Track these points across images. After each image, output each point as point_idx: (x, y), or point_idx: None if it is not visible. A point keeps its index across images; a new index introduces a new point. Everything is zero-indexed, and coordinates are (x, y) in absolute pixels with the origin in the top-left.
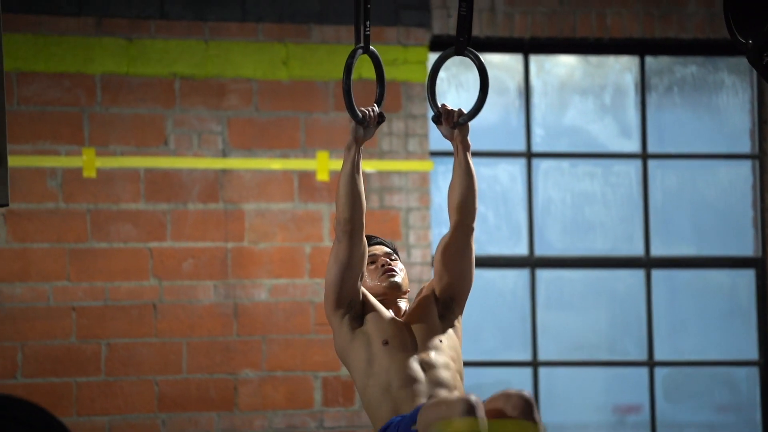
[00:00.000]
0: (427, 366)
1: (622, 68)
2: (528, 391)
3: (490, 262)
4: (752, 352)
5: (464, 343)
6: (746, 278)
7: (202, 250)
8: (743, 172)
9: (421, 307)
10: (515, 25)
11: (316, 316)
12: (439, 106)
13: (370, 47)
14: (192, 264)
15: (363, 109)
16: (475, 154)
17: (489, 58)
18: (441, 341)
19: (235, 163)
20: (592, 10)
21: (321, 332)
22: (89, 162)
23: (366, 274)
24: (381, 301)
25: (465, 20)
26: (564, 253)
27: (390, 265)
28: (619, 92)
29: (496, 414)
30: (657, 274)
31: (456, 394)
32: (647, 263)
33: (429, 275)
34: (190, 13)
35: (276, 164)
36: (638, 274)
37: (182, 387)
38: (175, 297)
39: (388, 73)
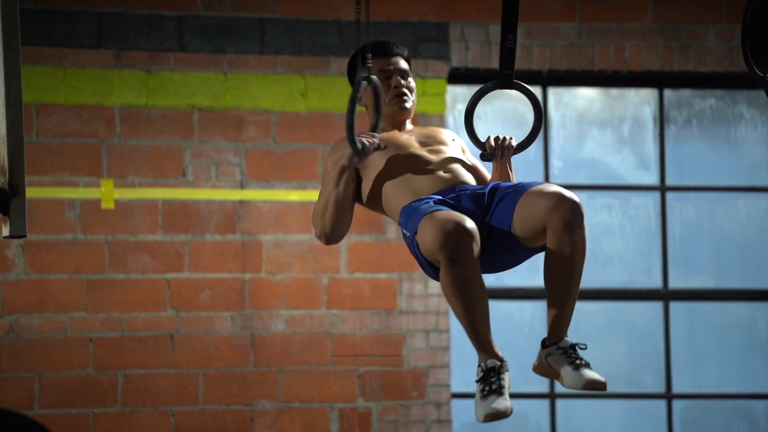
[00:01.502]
0: (437, 158)
1: (640, 101)
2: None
3: (507, 294)
4: None
5: None
6: (765, 311)
7: (219, 281)
8: (762, 205)
9: (434, 132)
10: (534, 57)
11: (333, 347)
12: (484, 141)
13: (372, 77)
14: (209, 295)
15: (363, 139)
16: None
17: (506, 91)
18: (447, 148)
19: (253, 194)
20: (611, 43)
21: (338, 364)
22: (107, 193)
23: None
24: (387, 124)
25: (511, 53)
26: (582, 285)
27: (402, 87)
28: (638, 125)
29: (532, 221)
30: (675, 306)
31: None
32: (665, 296)
33: (447, 306)
34: (209, 45)
35: (294, 195)
36: (656, 307)
37: (199, 418)
38: (192, 328)
39: None
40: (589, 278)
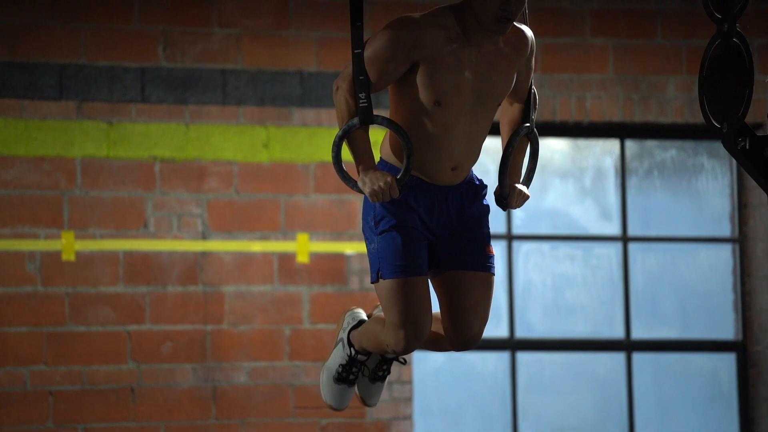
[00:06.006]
0: (471, 131)
1: (602, 151)
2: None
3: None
4: None
5: (445, 427)
6: (727, 362)
7: (181, 333)
8: (724, 256)
9: (505, 62)
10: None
11: (296, 399)
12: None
13: (374, 118)
14: (171, 347)
15: (376, 186)
16: None
17: None
18: (497, 102)
19: (215, 245)
20: (573, 94)
21: (300, 416)
22: (68, 245)
23: None
24: (465, 29)
25: (535, 97)
26: (545, 336)
27: (510, 11)
28: (600, 175)
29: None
30: (638, 357)
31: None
32: (628, 346)
33: (409, 358)
34: (171, 96)
35: (256, 246)
36: (619, 357)
37: None
38: (153, 380)
39: None
40: (552, 329)
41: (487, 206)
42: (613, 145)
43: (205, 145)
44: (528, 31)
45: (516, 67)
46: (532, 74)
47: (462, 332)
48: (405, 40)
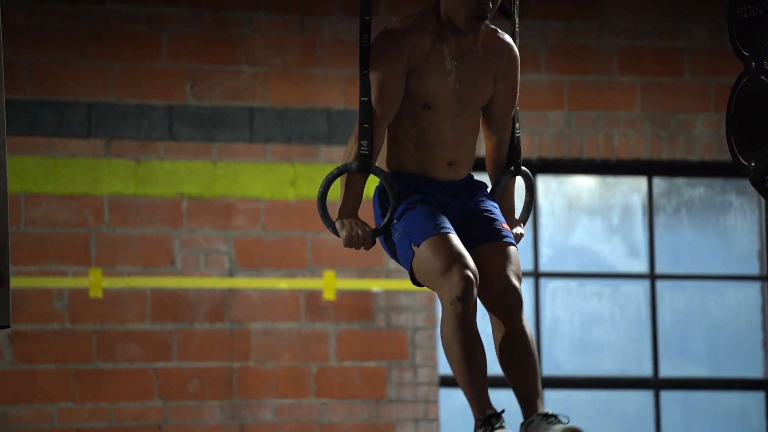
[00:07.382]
0: (459, 130)
1: (630, 189)
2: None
3: (497, 382)
4: None
5: None
6: (757, 400)
7: (207, 370)
8: (752, 294)
9: (481, 65)
10: (523, 145)
11: None
12: None
13: (367, 167)
14: (197, 384)
15: (351, 232)
16: None
17: None
18: (479, 106)
19: (242, 282)
20: (600, 131)
21: None
22: (96, 282)
23: None
24: (441, 32)
25: (519, 142)
26: (572, 374)
27: (487, 10)
28: (627, 213)
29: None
30: (666, 395)
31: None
32: (656, 384)
33: (436, 395)
34: (199, 134)
35: (283, 284)
36: (647, 396)
37: None
38: (180, 418)
39: None
40: (580, 367)
41: (493, 199)
42: (640, 182)
43: (233, 183)
44: (507, 38)
45: (494, 72)
46: (516, 104)
47: (497, 287)
48: (399, 58)
